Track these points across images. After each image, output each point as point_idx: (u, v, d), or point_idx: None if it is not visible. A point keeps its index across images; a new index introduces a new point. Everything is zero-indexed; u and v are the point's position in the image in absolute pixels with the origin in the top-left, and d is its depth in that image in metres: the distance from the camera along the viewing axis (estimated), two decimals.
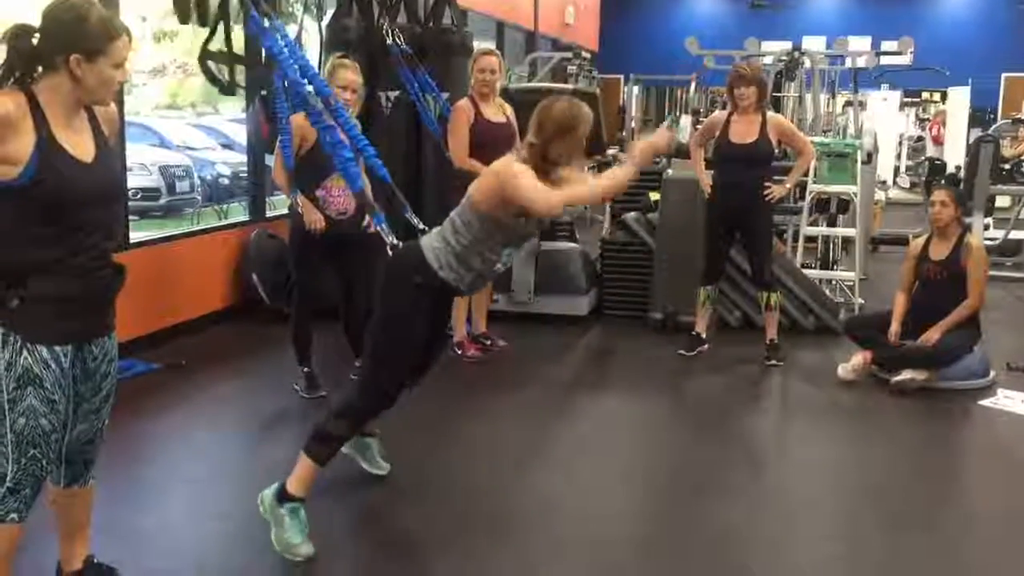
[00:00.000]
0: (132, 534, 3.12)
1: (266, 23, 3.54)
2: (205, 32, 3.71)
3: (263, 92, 4.81)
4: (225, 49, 3.65)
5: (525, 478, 3.76)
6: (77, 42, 2.15)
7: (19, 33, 2.18)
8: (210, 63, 3.73)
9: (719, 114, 5.49)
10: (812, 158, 5.68)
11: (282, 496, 2.96)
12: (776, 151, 6.36)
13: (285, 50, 3.55)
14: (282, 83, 4.22)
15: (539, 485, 3.70)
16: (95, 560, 2.63)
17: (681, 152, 6.41)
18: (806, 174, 6.24)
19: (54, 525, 2.58)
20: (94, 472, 2.55)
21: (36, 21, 2.21)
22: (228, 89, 3.93)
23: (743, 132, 5.21)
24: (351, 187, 3.47)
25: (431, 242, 2.97)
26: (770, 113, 5.39)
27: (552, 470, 3.89)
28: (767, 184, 5.25)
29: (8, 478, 2.27)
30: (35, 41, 2.19)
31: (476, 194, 2.92)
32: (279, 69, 3.73)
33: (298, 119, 4.31)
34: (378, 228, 3.22)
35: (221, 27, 3.72)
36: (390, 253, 3.11)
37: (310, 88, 3.63)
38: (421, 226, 3.27)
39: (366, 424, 3.20)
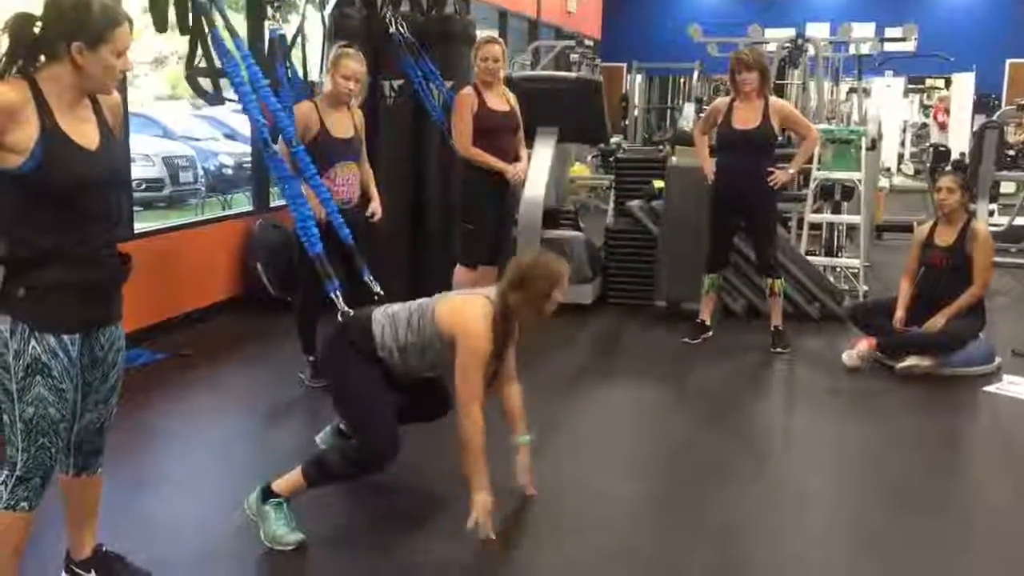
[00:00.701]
0: (140, 523, 3.13)
1: (230, 47, 3.54)
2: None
3: (267, 82, 4.79)
4: (206, 64, 3.67)
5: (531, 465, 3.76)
6: (79, 30, 2.15)
7: (21, 22, 2.18)
8: (198, 80, 3.75)
9: (722, 100, 5.47)
10: (816, 143, 5.66)
11: (266, 493, 2.98)
12: (780, 137, 6.36)
13: (247, 83, 3.53)
14: (285, 72, 4.22)
15: (543, 472, 3.70)
16: (104, 549, 2.64)
17: (684, 139, 6.40)
18: (810, 160, 6.23)
19: (63, 514, 2.59)
20: (102, 461, 2.56)
21: (39, 10, 2.21)
22: (215, 100, 3.95)
23: (746, 118, 5.19)
24: (310, 250, 3.50)
25: (382, 320, 3.06)
26: (772, 98, 5.37)
27: (556, 457, 3.89)
28: (771, 170, 5.24)
29: (18, 467, 2.28)
30: (37, 29, 2.18)
31: (442, 319, 3.00)
32: (287, 56, 3.72)
33: (302, 108, 4.31)
34: (332, 295, 3.29)
35: (201, 47, 3.74)
36: (340, 319, 3.19)
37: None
38: (377, 290, 3.40)
39: (372, 473, 3.19)
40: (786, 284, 5.83)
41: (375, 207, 4.57)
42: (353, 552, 3.00)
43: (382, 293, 3.33)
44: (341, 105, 4.41)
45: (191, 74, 3.71)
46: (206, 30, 3.53)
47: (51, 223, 2.21)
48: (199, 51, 3.67)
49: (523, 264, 3.08)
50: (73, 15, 2.15)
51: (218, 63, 3.60)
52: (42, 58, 2.19)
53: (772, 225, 5.48)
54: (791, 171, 5.39)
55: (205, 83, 3.93)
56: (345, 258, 4.31)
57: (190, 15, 3.60)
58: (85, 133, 2.24)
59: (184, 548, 2.98)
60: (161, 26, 3.55)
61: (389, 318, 3.06)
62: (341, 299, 3.28)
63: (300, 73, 4.93)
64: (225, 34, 3.58)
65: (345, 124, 4.42)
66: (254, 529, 2.97)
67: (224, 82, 3.85)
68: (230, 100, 3.82)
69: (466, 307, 3.03)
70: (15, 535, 2.32)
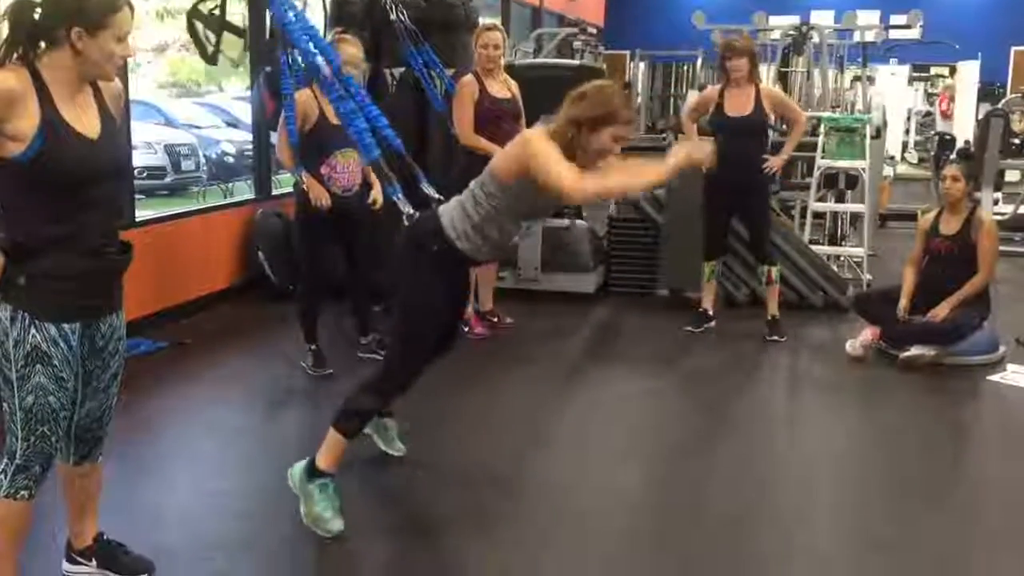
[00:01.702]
0: (141, 511, 3.13)
1: None
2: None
3: (267, 69, 4.78)
4: (218, 13, 3.59)
5: (533, 454, 3.76)
6: (79, 15, 2.13)
7: (20, 8, 2.16)
8: (198, 25, 3.66)
9: (712, 88, 5.46)
10: (805, 128, 5.64)
11: (312, 471, 2.96)
12: (783, 126, 6.34)
13: (294, 20, 3.52)
14: (286, 59, 4.19)
15: (547, 461, 3.70)
16: (105, 537, 2.64)
17: (680, 126, 6.37)
18: (809, 148, 6.21)
19: (64, 502, 2.58)
20: (103, 449, 2.55)
21: None
22: (211, 57, 3.87)
23: (738, 104, 5.17)
24: (366, 157, 3.45)
25: (449, 211, 2.92)
26: (762, 84, 5.37)
27: (560, 446, 3.89)
28: (764, 156, 5.23)
29: (18, 455, 2.28)
30: (37, 16, 2.17)
31: (499, 163, 2.86)
32: (287, 41, 3.70)
33: (302, 96, 4.29)
34: (395, 199, 3.20)
35: None
36: (406, 223, 3.07)
37: (321, 60, 3.61)
38: (436, 196, 3.22)
39: (394, 398, 3.19)
40: (789, 272, 5.83)
41: (376, 194, 4.55)
42: (353, 543, 2.99)
43: (441, 198, 3.19)
44: None
45: (192, 17, 3.63)
46: None
47: (52, 212, 2.19)
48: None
49: (588, 85, 2.85)
50: (72, 1, 2.13)
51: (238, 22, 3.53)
52: (42, 45, 2.17)
53: (767, 211, 5.48)
54: (784, 157, 5.37)
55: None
56: (349, 230, 4.32)
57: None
58: (86, 121, 2.23)
59: (186, 536, 2.98)
60: None
61: (456, 205, 2.91)
62: (406, 202, 3.19)
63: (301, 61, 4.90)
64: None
65: None
66: (258, 517, 2.96)
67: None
68: (228, 58, 3.75)
69: (522, 135, 2.89)
70: (15, 523, 2.32)
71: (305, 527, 2.93)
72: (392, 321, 3.09)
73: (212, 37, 3.72)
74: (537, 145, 2.75)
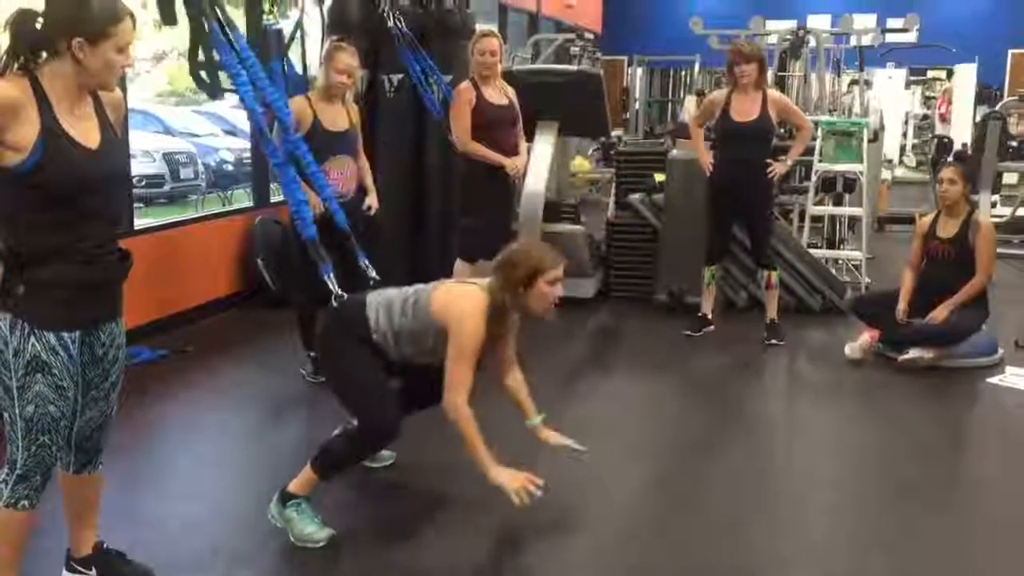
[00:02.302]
0: (141, 520, 3.13)
1: (230, 46, 3.52)
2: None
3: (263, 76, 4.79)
4: (206, 59, 3.67)
5: (532, 458, 3.76)
6: (80, 25, 2.14)
7: (22, 18, 2.17)
8: (200, 73, 3.74)
9: (719, 93, 5.47)
10: (810, 135, 5.68)
11: (285, 497, 2.98)
12: (782, 131, 6.35)
13: (244, 74, 3.52)
14: (281, 66, 4.21)
15: (546, 465, 3.69)
16: (104, 546, 2.64)
17: (685, 132, 6.38)
18: (807, 153, 6.22)
19: (64, 511, 2.58)
20: (103, 458, 2.55)
21: (39, 6, 2.20)
22: (215, 93, 3.93)
23: (744, 110, 5.19)
24: (303, 233, 3.48)
25: (377, 304, 3.03)
26: (769, 90, 5.38)
27: (556, 450, 3.89)
28: (768, 161, 5.24)
29: (18, 465, 2.28)
30: (38, 26, 2.17)
31: (437, 305, 2.97)
32: (284, 51, 3.70)
33: (297, 103, 4.30)
34: (326, 278, 3.26)
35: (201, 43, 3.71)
36: (334, 304, 3.17)
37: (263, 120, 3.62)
38: (373, 275, 3.38)
39: (372, 454, 3.25)
40: (787, 276, 5.85)
41: (371, 200, 4.56)
42: (353, 550, 2.99)
43: (378, 278, 3.30)
44: (335, 99, 4.41)
45: (194, 68, 3.69)
46: (205, 26, 3.52)
47: (52, 221, 2.20)
48: (200, 46, 3.65)
49: (508, 250, 3.06)
50: (74, 11, 2.14)
51: (216, 57, 3.58)
52: (43, 55, 2.18)
53: (770, 217, 5.49)
54: (788, 163, 5.40)
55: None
56: (341, 246, 4.32)
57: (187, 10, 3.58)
58: (86, 131, 2.23)
59: (185, 545, 2.97)
60: (170, 20, 3.53)
61: (384, 303, 3.03)
62: (335, 283, 3.26)
63: (299, 68, 4.92)
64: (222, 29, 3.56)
65: (338, 118, 4.41)
66: (257, 526, 2.97)
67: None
68: (228, 91, 3.80)
69: (461, 295, 3.01)
70: (16, 533, 2.33)
71: None
72: (340, 398, 3.11)
73: (209, 77, 3.80)
74: (468, 333, 2.90)
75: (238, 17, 3.82)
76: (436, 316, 2.96)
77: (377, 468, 3.50)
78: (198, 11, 3.43)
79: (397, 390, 3.17)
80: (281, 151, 3.61)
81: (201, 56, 3.52)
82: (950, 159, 8.59)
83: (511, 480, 2.94)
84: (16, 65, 2.17)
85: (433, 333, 2.98)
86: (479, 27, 5.92)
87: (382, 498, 3.36)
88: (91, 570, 2.60)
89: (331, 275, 3.29)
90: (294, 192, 3.53)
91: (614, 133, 11.18)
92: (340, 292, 3.20)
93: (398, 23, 5.49)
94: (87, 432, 2.47)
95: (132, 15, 2.23)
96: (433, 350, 3.05)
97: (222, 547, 2.98)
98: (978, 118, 10.72)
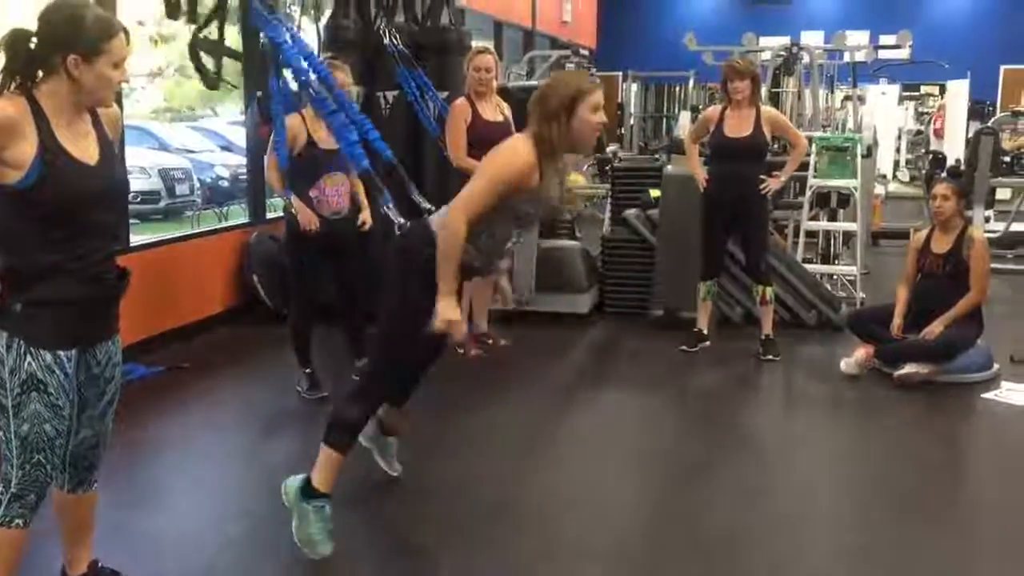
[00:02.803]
0: (136, 538, 3.11)
1: (267, 14, 3.54)
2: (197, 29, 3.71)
3: (259, 93, 4.80)
4: (217, 39, 3.64)
5: (528, 475, 3.76)
6: (74, 42, 2.14)
7: (16, 37, 2.17)
8: (201, 52, 3.72)
9: (713, 109, 5.50)
10: (804, 151, 5.70)
11: (307, 491, 2.93)
12: (775, 146, 6.37)
13: (288, 39, 3.55)
14: (277, 83, 4.22)
15: (543, 482, 3.70)
16: (100, 564, 2.62)
17: (680, 148, 6.40)
18: (801, 168, 6.24)
19: (58, 530, 2.57)
20: (98, 476, 2.54)
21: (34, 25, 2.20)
22: (213, 82, 3.92)
23: (738, 126, 5.21)
24: (357, 166, 3.46)
25: (437, 217, 2.91)
26: (764, 107, 5.41)
27: (555, 467, 3.89)
28: (762, 177, 5.26)
29: (13, 484, 2.27)
30: (32, 45, 2.18)
31: (484, 164, 2.87)
32: (280, 60, 3.73)
33: (292, 120, 4.32)
34: (385, 209, 3.19)
35: (216, 19, 3.71)
36: (398, 232, 3.05)
37: (314, 76, 3.64)
38: (427, 206, 3.22)
39: (379, 406, 3.18)
40: (782, 291, 5.86)
41: (365, 217, 4.57)
42: (346, 563, 2.98)
43: (432, 208, 3.18)
44: None
45: (195, 46, 3.67)
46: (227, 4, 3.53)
47: (49, 238, 2.20)
48: (214, 23, 3.64)
49: (542, 84, 2.87)
50: (67, 28, 2.15)
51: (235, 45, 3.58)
52: (39, 73, 2.19)
53: (764, 233, 5.51)
54: (782, 179, 5.42)
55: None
56: (342, 253, 4.33)
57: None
58: (84, 148, 2.24)
59: (180, 563, 2.96)
60: (172, 13, 3.53)
61: (443, 213, 2.89)
62: (397, 212, 3.18)
63: (294, 85, 4.93)
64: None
65: (332, 135, 4.42)
66: (252, 542, 2.95)
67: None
68: (227, 83, 3.80)
69: (503, 146, 2.87)
70: (10, 552, 2.31)
71: (300, 553, 2.91)
72: (378, 327, 3.04)
73: (213, 63, 3.76)
74: (498, 162, 2.78)
75: (233, 35, 3.82)
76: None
77: (382, 481, 3.48)
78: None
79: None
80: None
81: (212, 36, 3.50)
82: (943, 175, 8.63)
83: (444, 312, 2.73)
84: (13, 84, 2.17)
85: (500, 209, 2.81)
86: (474, 44, 5.94)
87: (380, 517, 3.35)
88: None
89: (391, 206, 3.22)
90: (345, 135, 3.50)
91: (609, 149, 11.21)
92: (401, 220, 3.11)
93: (393, 40, 5.51)
94: (83, 451, 2.46)
95: (126, 30, 2.23)
96: (509, 225, 2.93)
97: (218, 565, 2.97)
98: (971, 134, 10.77)
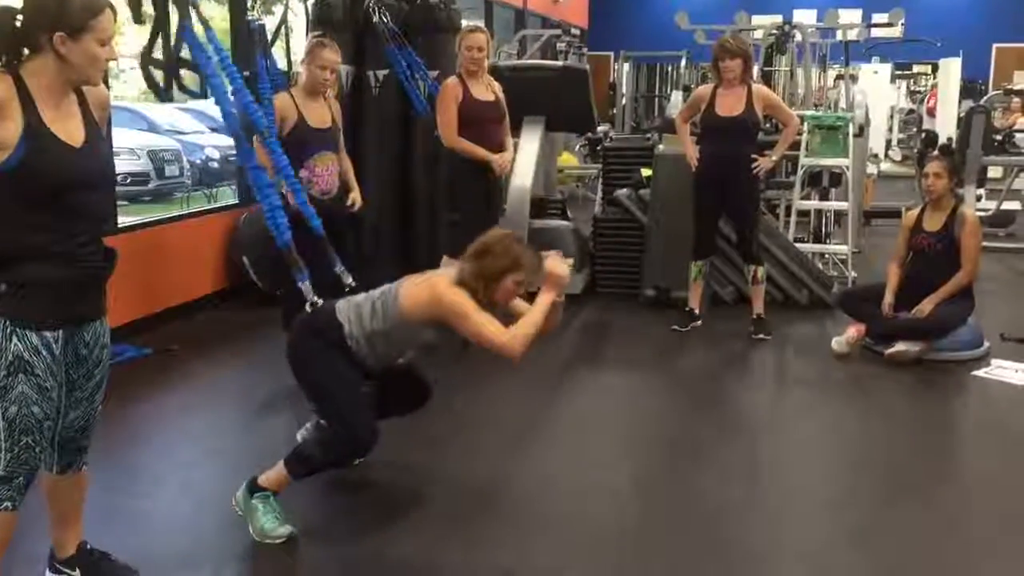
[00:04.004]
0: (125, 520, 3.11)
1: (199, 34, 3.52)
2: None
3: (246, 73, 4.76)
4: (163, 57, 3.66)
5: (522, 455, 3.76)
6: (60, 19, 2.11)
7: (1, 16, 2.15)
8: (150, 68, 3.73)
9: (704, 88, 5.47)
10: (796, 130, 5.69)
11: (253, 488, 2.96)
12: (767, 125, 6.36)
13: (216, 65, 3.52)
14: (264, 63, 4.20)
15: (537, 461, 3.70)
16: (88, 546, 2.62)
17: (671, 128, 6.38)
18: (793, 147, 6.23)
19: (47, 512, 2.56)
20: (87, 458, 2.53)
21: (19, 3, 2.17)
22: (164, 96, 3.94)
23: (729, 105, 5.19)
24: (277, 240, 3.48)
25: (347, 309, 3.01)
26: (755, 85, 5.38)
27: (549, 447, 3.89)
28: (754, 157, 5.24)
29: (1, 466, 2.25)
30: (18, 23, 2.15)
31: (407, 300, 2.94)
32: (266, 47, 3.70)
33: (281, 99, 4.29)
34: (300, 285, 3.24)
35: (158, 38, 3.72)
36: (308, 310, 3.16)
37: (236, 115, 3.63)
38: (349, 281, 3.37)
39: (348, 462, 3.23)
40: (774, 270, 5.87)
41: (355, 197, 4.55)
42: (338, 547, 2.98)
43: (354, 284, 3.29)
44: (317, 96, 4.39)
45: (145, 64, 3.68)
46: (170, 19, 3.51)
47: (35, 219, 2.17)
48: (158, 41, 3.64)
49: (489, 236, 3.02)
50: (52, 4, 2.12)
51: (189, 56, 3.57)
52: (25, 52, 2.16)
53: (755, 212, 5.50)
54: (774, 158, 5.41)
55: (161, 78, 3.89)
56: (318, 251, 4.31)
57: (162, 5, 3.58)
58: (70, 129, 2.21)
59: (169, 545, 2.96)
60: (138, 18, 3.51)
61: (353, 307, 3.01)
62: (310, 290, 3.26)
63: (284, 64, 4.90)
64: (197, 27, 3.55)
65: (322, 114, 4.40)
66: (243, 525, 2.95)
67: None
68: (189, 93, 3.82)
69: (427, 285, 2.97)
70: None
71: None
72: (319, 408, 3.08)
73: (163, 77, 3.78)
74: (457, 304, 2.88)
75: (223, 13, 3.79)
76: (406, 312, 2.94)
77: (373, 461, 3.47)
78: (167, 4, 3.41)
79: (373, 396, 3.15)
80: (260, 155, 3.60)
81: (158, 54, 3.51)
82: (935, 153, 8.62)
83: (557, 277, 2.95)
84: None
85: (407, 329, 2.97)
86: (465, 23, 5.90)
87: (371, 497, 3.35)
88: (75, 571, 2.58)
89: (307, 282, 3.29)
90: (269, 197, 3.52)
91: (601, 128, 11.18)
92: (315, 299, 3.19)
93: (383, 18, 5.47)
94: (71, 432, 2.44)
95: (112, 7, 2.20)
96: (408, 346, 3.06)
97: (208, 546, 2.97)
98: (963, 112, 10.76)
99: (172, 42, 3.62)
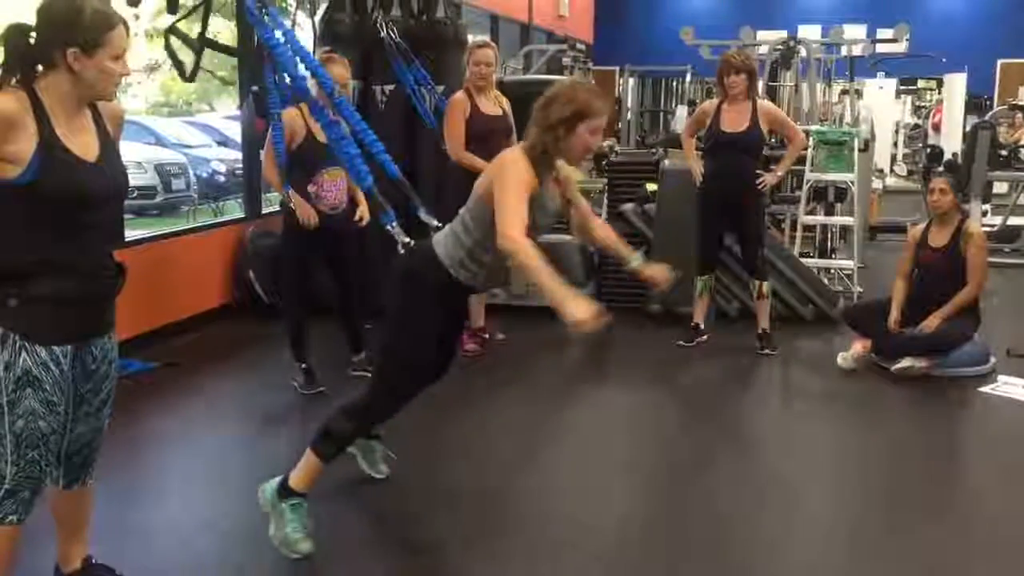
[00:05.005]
0: (131, 534, 3.10)
1: (262, 14, 3.51)
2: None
3: (255, 88, 4.78)
4: (199, 33, 3.63)
5: (525, 470, 3.75)
6: (73, 35, 2.13)
7: (14, 32, 2.16)
8: (173, 42, 3.69)
9: (709, 103, 5.48)
10: (802, 146, 5.68)
11: (284, 490, 2.92)
12: (772, 140, 6.36)
13: (283, 42, 3.51)
14: (273, 78, 4.20)
15: (539, 476, 3.69)
16: (94, 560, 2.62)
17: (677, 142, 6.40)
18: (798, 162, 6.23)
19: (52, 526, 2.56)
20: (93, 473, 2.53)
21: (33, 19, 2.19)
22: (189, 76, 3.89)
23: (734, 120, 5.20)
24: (360, 185, 3.39)
25: (443, 240, 2.86)
26: (760, 101, 5.39)
27: (552, 461, 3.88)
28: (759, 172, 5.24)
29: (7, 480, 2.25)
30: (32, 39, 2.16)
31: (481, 185, 2.81)
32: (274, 62, 3.70)
33: (289, 114, 4.30)
34: (389, 227, 3.12)
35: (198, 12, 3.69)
36: (402, 252, 3.00)
37: (311, 83, 3.60)
38: (435, 223, 3.13)
39: (374, 426, 3.17)
40: (779, 285, 5.86)
41: (362, 212, 4.55)
42: (338, 561, 2.97)
43: (439, 225, 3.12)
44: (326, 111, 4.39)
45: (170, 31, 3.65)
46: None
47: (47, 234, 2.18)
48: (197, 15, 3.62)
49: (553, 87, 2.80)
50: (65, 21, 2.13)
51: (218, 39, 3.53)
52: (39, 68, 2.17)
53: (760, 228, 5.49)
54: (779, 173, 5.41)
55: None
56: (341, 258, 4.31)
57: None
58: (84, 144, 2.22)
59: (175, 559, 2.95)
60: (173, 8, 3.50)
61: (449, 234, 2.85)
62: (401, 232, 3.11)
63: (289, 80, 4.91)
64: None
65: None
66: (247, 541, 2.94)
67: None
68: (210, 73, 3.81)
69: (495, 161, 2.83)
70: (4, 548, 2.30)
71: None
72: (382, 348, 3.01)
73: (191, 55, 3.75)
74: (508, 173, 2.69)
75: (231, 29, 3.81)
76: (485, 194, 2.76)
77: (377, 478, 3.47)
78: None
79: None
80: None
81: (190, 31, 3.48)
82: (940, 168, 8.63)
83: (583, 312, 2.46)
84: (14, 80, 2.15)
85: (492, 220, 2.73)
86: (472, 38, 5.93)
87: (375, 514, 3.34)
88: None
89: (395, 224, 3.14)
90: (344, 148, 3.38)
91: (606, 143, 11.19)
92: (408, 240, 3.05)
93: (390, 34, 5.49)
94: (77, 447, 2.45)
95: (125, 22, 2.21)
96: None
97: (212, 561, 2.96)
98: (968, 127, 10.76)
99: (201, 21, 3.58)
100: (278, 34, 3.55)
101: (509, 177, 2.69)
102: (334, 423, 2.95)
